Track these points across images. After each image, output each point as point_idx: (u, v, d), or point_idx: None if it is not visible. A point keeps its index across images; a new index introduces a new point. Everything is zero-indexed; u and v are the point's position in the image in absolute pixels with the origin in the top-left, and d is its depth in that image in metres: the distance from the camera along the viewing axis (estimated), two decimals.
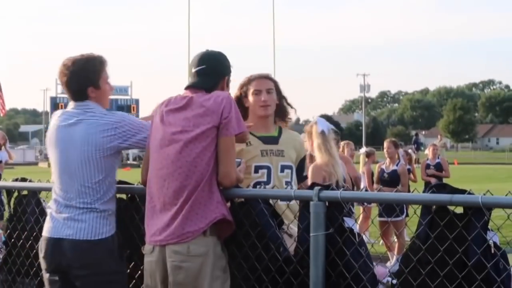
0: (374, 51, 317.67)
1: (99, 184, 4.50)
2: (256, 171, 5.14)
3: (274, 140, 5.27)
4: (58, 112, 4.75)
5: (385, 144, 12.82)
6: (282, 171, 5.22)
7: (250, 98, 5.28)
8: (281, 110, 5.42)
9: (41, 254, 4.61)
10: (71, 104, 4.69)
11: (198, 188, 4.19)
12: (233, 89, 4.99)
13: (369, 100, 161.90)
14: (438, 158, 16.24)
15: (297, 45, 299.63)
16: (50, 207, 4.64)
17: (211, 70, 4.44)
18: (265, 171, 5.14)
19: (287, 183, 5.21)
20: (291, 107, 5.51)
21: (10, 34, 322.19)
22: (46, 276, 4.62)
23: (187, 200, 4.19)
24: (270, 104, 5.27)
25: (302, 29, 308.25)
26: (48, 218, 4.66)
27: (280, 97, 5.41)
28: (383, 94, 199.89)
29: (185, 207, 4.19)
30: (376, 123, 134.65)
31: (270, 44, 42.16)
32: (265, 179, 5.14)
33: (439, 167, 15.92)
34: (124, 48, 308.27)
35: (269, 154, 5.17)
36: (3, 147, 11.24)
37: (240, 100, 5.27)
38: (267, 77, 5.37)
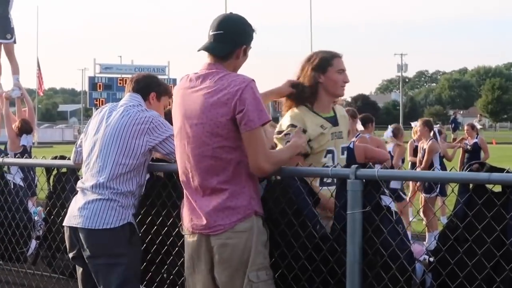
0: (411, 30, 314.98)
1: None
2: (325, 156, 4.96)
3: (335, 121, 5.05)
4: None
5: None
6: (342, 153, 5.08)
7: (331, 75, 4.94)
8: None
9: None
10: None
11: (224, 182, 4.16)
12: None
13: (407, 80, 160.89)
14: (476, 137, 16.03)
15: (333, 24, 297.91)
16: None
17: (227, 36, 4.26)
18: (330, 155, 4.97)
19: None
20: None
21: (49, 13, 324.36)
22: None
23: (217, 194, 4.18)
24: None
25: (338, 8, 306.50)
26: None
27: None
28: (420, 74, 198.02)
29: (215, 200, 4.17)
30: (413, 103, 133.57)
31: (306, 23, 41.78)
32: (331, 163, 4.93)
33: (476, 147, 15.73)
34: (161, 28, 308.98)
35: (334, 137, 4.98)
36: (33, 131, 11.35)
37: (314, 74, 4.95)
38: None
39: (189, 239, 4.37)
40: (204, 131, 4.15)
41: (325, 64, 4.94)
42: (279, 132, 4.81)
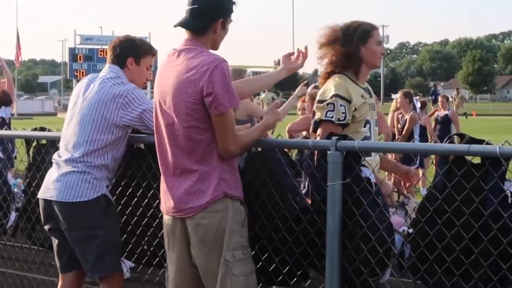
0: (393, 1, 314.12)
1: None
2: (364, 126, 4.88)
3: (369, 93, 4.99)
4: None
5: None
6: (376, 125, 5.01)
7: (371, 46, 4.89)
8: None
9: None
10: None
11: (194, 162, 4.11)
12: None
13: (388, 51, 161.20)
14: (448, 110, 16.21)
15: None
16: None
17: (203, 11, 4.17)
18: (368, 125, 4.89)
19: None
20: None
21: None
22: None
23: (187, 175, 4.14)
24: None
25: None
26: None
27: None
28: (402, 46, 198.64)
29: (186, 183, 4.14)
30: (394, 75, 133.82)
31: None
32: (368, 133, 4.88)
33: (446, 119, 15.87)
34: None
35: (370, 108, 4.91)
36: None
37: (357, 45, 4.87)
38: None
39: (165, 218, 4.37)
40: (176, 110, 4.10)
41: (366, 35, 4.89)
42: (321, 101, 4.75)
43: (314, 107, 4.79)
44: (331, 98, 4.69)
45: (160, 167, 4.32)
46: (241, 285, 4.14)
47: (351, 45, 4.84)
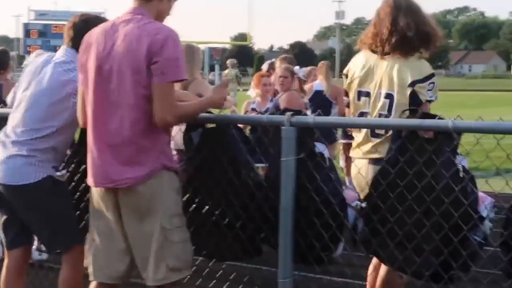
0: None
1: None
2: None
3: None
4: None
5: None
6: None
7: None
8: None
9: None
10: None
11: (135, 133, 4.01)
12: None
13: (344, 27, 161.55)
14: None
15: None
16: None
17: None
18: None
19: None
20: None
21: None
22: None
23: (126, 146, 4.03)
24: None
25: None
26: None
27: None
28: (358, 21, 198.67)
29: (123, 153, 4.04)
30: (350, 50, 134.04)
31: None
32: None
33: None
34: None
35: None
36: None
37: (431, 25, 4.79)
38: None
39: (93, 190, 4.28)
40: (123, 77, 3.99)
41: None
42: (421, 80, 4.55)
43: (416, 87, 4.56)
44: (431, 78, 4.60)
45: (90, 137, 4.18)
46: (179, 251, 4.13)
47: (429, 25, 4.78)
